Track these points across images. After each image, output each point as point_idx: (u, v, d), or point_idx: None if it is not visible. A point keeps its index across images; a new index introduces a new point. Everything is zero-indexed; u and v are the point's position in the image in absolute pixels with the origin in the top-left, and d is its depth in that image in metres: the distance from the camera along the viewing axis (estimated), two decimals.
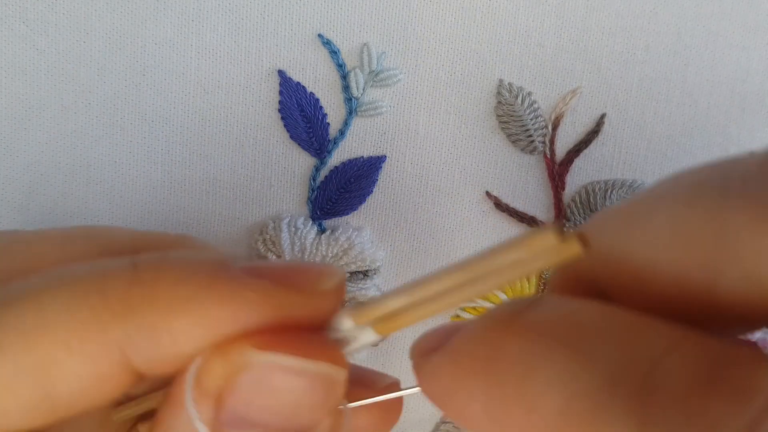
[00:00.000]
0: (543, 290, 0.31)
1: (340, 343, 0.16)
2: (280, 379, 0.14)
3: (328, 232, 0.30)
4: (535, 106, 0.30)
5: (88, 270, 0.14)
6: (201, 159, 0.29)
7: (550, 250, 0.14)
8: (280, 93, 0.29)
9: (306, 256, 0.30)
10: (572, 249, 0.14)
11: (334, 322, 0.16)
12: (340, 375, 0.15)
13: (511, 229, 0.31)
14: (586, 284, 0.15)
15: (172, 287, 0.14)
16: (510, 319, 0.13)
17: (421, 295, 0.15)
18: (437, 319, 0.32)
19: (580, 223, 0.31)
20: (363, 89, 0.29)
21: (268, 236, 0.29)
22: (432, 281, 0.15)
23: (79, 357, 0.13)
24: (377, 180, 0.30)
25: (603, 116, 0.30)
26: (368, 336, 0.15)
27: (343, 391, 0.15)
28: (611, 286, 0.14)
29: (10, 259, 0.16)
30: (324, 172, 0.30)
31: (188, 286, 0.14)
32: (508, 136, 0.30)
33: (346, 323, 0.15)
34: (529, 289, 0.31)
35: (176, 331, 0.14)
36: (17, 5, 0.27)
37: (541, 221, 0.31)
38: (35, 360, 0.13)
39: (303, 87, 0.29)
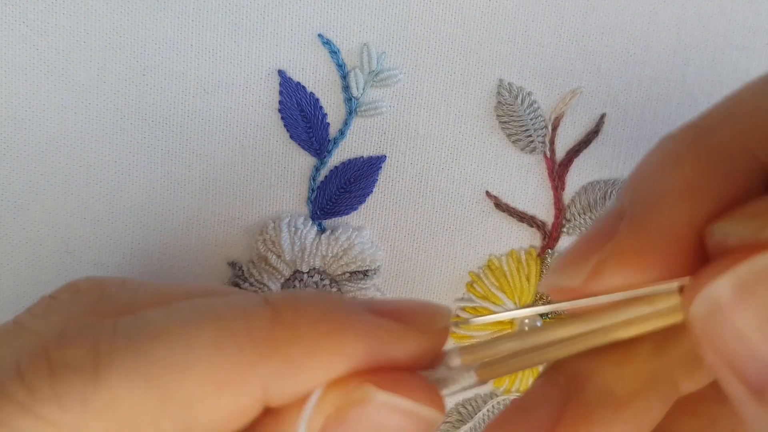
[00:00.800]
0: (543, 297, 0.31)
1: (439, 385, 0.16)
2: (389, 418, 0.14)
3: (328, 232, 0.30)
4: (535, 106, 0.30)
5: (229, 307, 0.15)
6: (201, 159, 0.29)
7: (671, 311, 0.14)
8: (280, 93, 0.29)
9: (306, 256, 0.30)
10: (678, 316, 0.14)
11: (442, 360, 0.16)
12: (440, 419, 0.15)
13: (511, 228, 0.31)
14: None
15: (313, 326, 0.14)
16: None
17: (534, 343, 0.15)
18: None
19: (580, 223, 0.31)
20: (363, 89, 0.29)
21: (268, 236, 0.29)
22: (547, 332, 0.15)
23: (225, 395, 0.14)
24: (377, 180, 0.30)
25: (603, 116, 0.30)
26: (469, 380, 0.16)
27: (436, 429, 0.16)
28: None
29: (134, 294, 0.17)
30: (324, 172, 0.30)
31: (327, 324, 0.14)
32: (508, 135, 0.30)
33: (454, 361, 0.16)
34: (529, 289, 0.31)
35: (315, 368, 0.14)
36: (17, 5, 0.27)
37: (541, 221, 0.31)
38: (182, 396, 0.14)
39: (303, 87, 0.29)
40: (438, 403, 0.15)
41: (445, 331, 0.16)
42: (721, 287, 0.13)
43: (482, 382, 0.16)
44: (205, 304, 0.15)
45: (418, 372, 0.15)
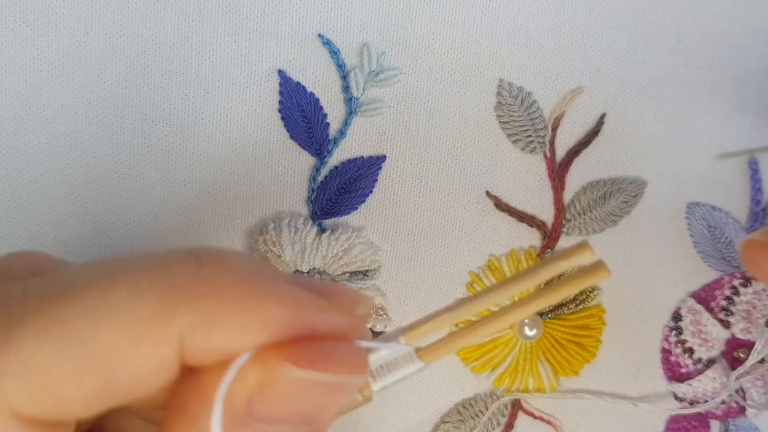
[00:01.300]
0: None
1: (384, 370, 0.16)
2: (311, 391, 0.15)
3: (328, 232, 0.30)
4: (535, 106, 0.30)
5: (148, 259, 0.15)
6: (201, 159, 0.29)
7: (586, 267, 0.15)
8: (280, 93, 0.29)
9: (306, 256, 0.30)
10: (603, 273, 0.15)
11: (385, 339, 0.16)
12: (362, 380, 0.16)
13: (511, 228, 0.31)
14: None
15: (235, 284, 0.14)
16: None
17: (471, 312, 0.15)
18: None
19: (580, 223, 0.31)
20: (363, 89, 0.29)
21: (268, 236, 0.29)
22: (481, 299, 0.15)
23: (144, 346, 0.14)
24: (377, 180, 0.30)
25: (603, 116, 0.30)
26: (412, 362, 0.16)
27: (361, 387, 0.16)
28: None
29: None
30: (324, 172, 0.30)
31: (251, 285, 0.15)
32: (508, 135, 0.30)
33: (398, 340, 0.16)
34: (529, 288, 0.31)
35: (233, 327, 0.14)
36: (18, 5, 0.27)
37: (541, 221, 0.31)
38: (101, 349, 0.13)
39: (303, 87, 0.29)
40: (358, 367, 0.16)
41: (365, 317, 0.16)
42: None
43: (426, 363, 0.16)
44: (122, 259, 0.15)
45: (352, 340, 0.16)
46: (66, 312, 0.14)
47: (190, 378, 0.15)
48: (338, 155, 0.30)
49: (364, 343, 0.16)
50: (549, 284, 0.16)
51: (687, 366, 0.32)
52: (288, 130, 0.29)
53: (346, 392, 0.16)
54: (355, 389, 0.16)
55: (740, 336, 0.32)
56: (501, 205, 0.30)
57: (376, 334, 0.31)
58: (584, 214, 0.31)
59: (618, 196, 0.31)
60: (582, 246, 0.16)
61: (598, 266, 0.16)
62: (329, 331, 0.15)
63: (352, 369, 0.15)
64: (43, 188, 0.29)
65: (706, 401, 0.32)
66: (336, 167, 0.30)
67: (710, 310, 0.32)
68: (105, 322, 0.13)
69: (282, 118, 0.29)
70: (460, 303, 0.16)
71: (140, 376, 0.14)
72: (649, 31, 0.30)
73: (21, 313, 0.14)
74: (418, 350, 0.16)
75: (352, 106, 0.29)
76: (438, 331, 0.16)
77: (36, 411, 0.14)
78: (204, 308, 0.14)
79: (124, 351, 0.14)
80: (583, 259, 0.16)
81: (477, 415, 0.31)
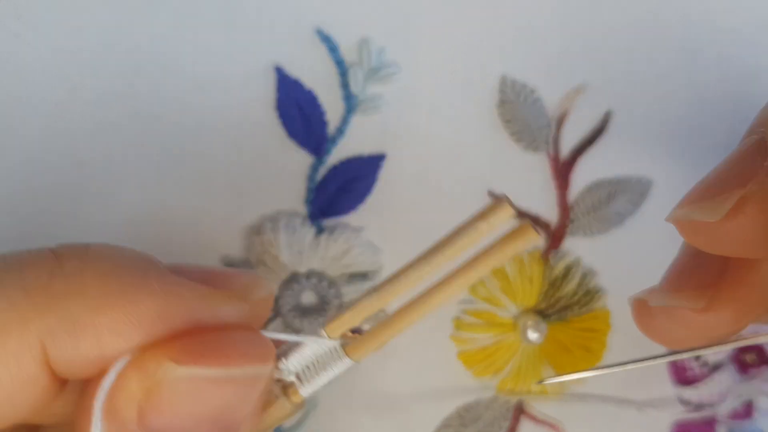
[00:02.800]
0: (547, 292, 0.31)
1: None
2: (203, 389, 0.13)
3: (326, 233, 0.30)
4: (539, 103, 0.30)
5: (4, 261, 0.14)
6: (196, 157, 0.29)
7: (508, 227, 0.14)
8: (277, 90, 0.29)
9: (304, 258, 0.29)
10: (530, 235, 0.14)
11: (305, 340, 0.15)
12: (266, 371, 0.14)
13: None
14: None
15: (99, 279, 0.13)
16: None
17: (389, 294, 0.15)
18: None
19: (585, 223, 0.31)
20: (362, 86, 0.29)
21: (265, 237, 0.29)
22: (401, 280, 0.15)
23: (1, 356, 0.13)
24: (377, 179, 0.30)
25: (608, 114, 0.30)
26: (340, 360, 0.15)
27: (269, 382, 0.15)
28: None
29: None
30: (322, 171, 0.29)
31: (117, 279, 0.13)
32: (511, 134, 0.30)
33: (322, 335, 0.15)
34: (531, 291, 0.30)
35: (101, 327, 0.13)
36: (9, 1, 0.27)
37: (545, 221, 0.30)
38: None
39: (301, 84, 0.29)
40: (257, 356, 0.14)
41: (264, 302, 0.15)
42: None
43: (354, 359, 0.15)
44: None
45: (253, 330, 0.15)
46: None
47: (82, 392, 0.14)
48: (337, 153, 0.29)
49: (273, 335, 0.15)
50: (476, 256, 0.15)
51: (694, 369, 0.32)
52: (285, 128, 0.29)
53: (253, 388, 0.14)
54: (262, 383, 0.14)
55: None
56: None
57: None
58: (589, 213, 0.31)
59: (624, 196, 0.31)
60: (499, 202, 0.14)
61: (524, 229, 0.15)
62: (219, 321, 0.14)
63: (249, 359, 0.14)
64: (35, 187, 0.28)
65: (712, 405, 0.32)
66: (335, 166, 0.29)
67: None
68: None
69: (279, 115, 0.29)
70: (379, 285, 0.15)
71: (8, 394, 0.13)
72: (656, 27, 0.30)
73: None
74: (344, 346, 0.15)
75: (351, 104, 0.29)
76: (361, 321, 0.15)
77: None
78: (64, 309, 0.13)
79: None
80: (503, 217, 0.14)
81: (479, 420, 0.31)
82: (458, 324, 0.31)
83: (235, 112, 0.29)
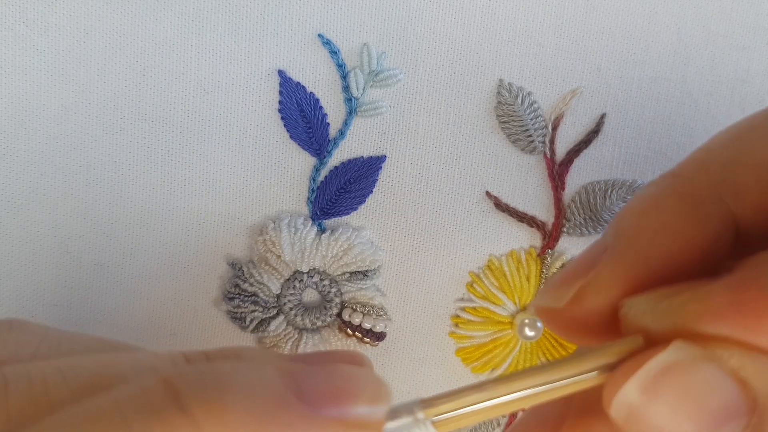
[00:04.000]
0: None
1: None
2: None
3: (328, 233, 0.30)
4: (535, 106, 0.30)
5: (114, 399, 0.13)
6: (200, 159, 0.29)
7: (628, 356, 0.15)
8: (280, 93, 0.29)
9: (306, 257, 0.30)
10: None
11: (399, 410, 0.16)
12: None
13: (511, 228, 0.31)
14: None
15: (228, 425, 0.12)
16: None
17: (496, 394, 0.15)
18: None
19: (580, 223, 0.31)
20: (363, 89, 0.29)
21: (268, 237, 0.29)
22: (509, 383, 0.15)
23: None
24: (377, 180, 0.30)
25: (603, 116, 0.30)
26: None
27: None
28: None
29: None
30: (324, 172, 0.30)
31: (246, 427, 0.13)
32: (508, 136, 0.30)
33: (415, 414, 0.15)
34: (529, 289, 0.31)
35: None
36: (17, 5, 0.27)
37: (541, 221, 0.30)
38: None
39: (303, 87, 0.29)
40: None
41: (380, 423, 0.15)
42: (630, 392, 0.15)
43: None
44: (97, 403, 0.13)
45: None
46: None
47: None
48: (338, 155, 0.30)
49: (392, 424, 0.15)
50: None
51: None
52: (288, 130, 0.29)
53: None
54: None
55: None
56: (501, 205, 0.30)
57: (376, 335, 0.31)
58: (584, 213, 0.31)
59: (618, 196, 0.30)
60: (634, 341, 0.15)
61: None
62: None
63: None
64: (43, 189, 0.29)
65: None
66: (336, 167, 0.30)
67: None
68: None
69: (282, 118, 0.29)
70: (489, 384, 0.15)
71: None
72: (650, 31, 0.30)
73: None
74: (433, 421, 0.16)
75: (352, 106, 0.29)
76: (458, 410, 0.16)
77: None
78: None
79: None
80: (631, 349, 0.15)
81: None
82: (457, 321, 0.31)
83: (239, 114, 0.29)
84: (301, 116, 0.29)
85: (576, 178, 0.30)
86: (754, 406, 0.14)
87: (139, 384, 0.13)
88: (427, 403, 0.16)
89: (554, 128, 0.30)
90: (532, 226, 0.31)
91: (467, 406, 0.15)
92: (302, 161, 0.29)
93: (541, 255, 0.31)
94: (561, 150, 0.30)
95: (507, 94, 0.29)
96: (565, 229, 0.31)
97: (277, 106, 0.29)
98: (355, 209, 0.30)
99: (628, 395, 0.15)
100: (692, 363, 0.14)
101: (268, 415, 0.13)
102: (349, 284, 0.30)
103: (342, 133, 0.29)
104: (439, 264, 0.31)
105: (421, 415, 0.15)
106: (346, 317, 0.30)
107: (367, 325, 0.30)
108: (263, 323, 0.30)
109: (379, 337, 0.31)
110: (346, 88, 0.29)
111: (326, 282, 0.30)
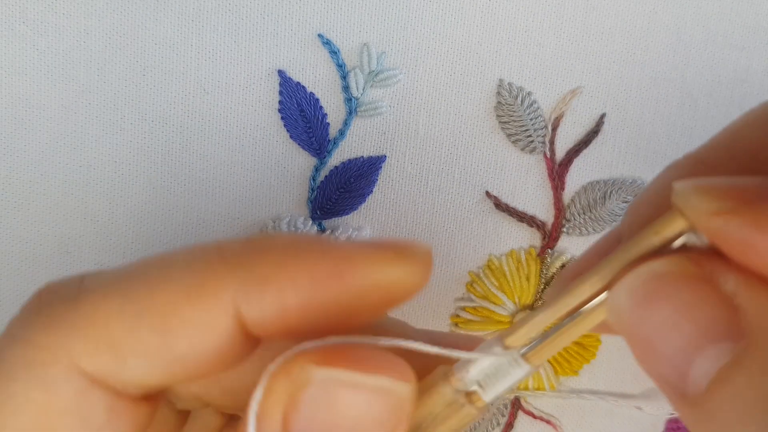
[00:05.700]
0: (543, 290, 0.31)
1: (489, 382, 0.15)
2: (341, 396, 0.14)
3: (328, 232, 0.30)
4: (535, 106, 0.30)
5: (204, 243, 0.16)
6: (201, 159, 0.29)
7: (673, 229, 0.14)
8: (280, 93, 0.29)
9: None
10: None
11: (479, 349, 0.15)
12: (404, 389, 0.14)
13: (511, 228, 0.31)
14: None
15: (282, 246, 0.15)
16: None
17: (565, 309, 0.15)
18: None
19: (580, 223, 0.31)
20: (363, 89, 0.29)
21: None
22: (569, 297, 0.15)
23: (196, 303, 0.14)
24: (377, 180, 0.30)
25: (603, 116, 0.30)
26: (519, 368, 0.15)
27: (410, 407, 0.14)
28: None
29: None
30: (324, 172, 0.30)
31: (296, 246, 0.15)
32: (508, 135, 0.30)
33: (496, 350, 0.15)
34: (528, 289, 0.31)
35: (283, 283, 0.14)
36: (17, 5, 0.27)
37: (541, 221, 0.31)
38: (156, 307, 0.14)
39: (303, 87, 0.29)
40: (398, 371, 0.14)
41: (427, 264, 0.16)
42: (620, 296, 0.14)
43: (534, 366, 0.15)
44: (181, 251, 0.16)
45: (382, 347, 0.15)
46: (128, 276, 0.15)
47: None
48: (338, 155, 0.30)
49: (464, 354, 0.15)
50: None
51: None
52: (288, 130, 0.29)
53: (386, 405, 0.14)
54: (396, 400, 0.14)
55: None
56: (501, 205, 0.30)
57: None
58: (584, 213, 0.31)
59: (618, 196, 0.31)
60: (672, 214, 0.14)
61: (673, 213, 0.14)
62: (387, 281, 0.15)
63: (382, 370, 0.14)
64: (43, 188, 0.29)
65: None
66: (336, 167, 0.30)
67: None
68: (161, 282, 0.14)
69: (282, 118, 0.29)
70: (555, 301, 0.15)
71: (198, 344, 0.14)
72: (649, 31, 0.30)
73: (94, 281, 0.15)
74: (523, 355, 0.15)
75: (352, 106, 0.29)
76: (536, 333, 0.15)
77: (98, 368, 0.14)
78: (251, 268, 0.14)
79: (177, 310, 0.14)
80: (676, 229, 0.14)
81: None
82: (456, 321, 0.31)
83: (239, 114, 0.29)
84: (301, 116, 0.29)
85: (576, 178, 0.31)
86: (741, 334, 0.13)
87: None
88: (505, 334, 0.15)
89: (554, 128, 0.30)
90: (531, 226, 0.31)
91: (542, 326, 0.15)
92: (302, 161, 0.29)
93: (541, 255, 0.31)
94: (561, 150, 0.30)
95: (507, 94, 0.29)
96: (564, 229, 0.31)
97: (277, 106, 0.29)
98: (355, 209, 0.30)
99: (617, 298, 0.14)
100: (686, 278, 0.14)
101: (306, 238, 0.15)
102: None
103: (342, 133, 0.29)
104: (439, 264, 0.31)
105: (500, 349, 0.15)
106: None
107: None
108: None
109: None
110: (346, 88, 0.29)
111: None
